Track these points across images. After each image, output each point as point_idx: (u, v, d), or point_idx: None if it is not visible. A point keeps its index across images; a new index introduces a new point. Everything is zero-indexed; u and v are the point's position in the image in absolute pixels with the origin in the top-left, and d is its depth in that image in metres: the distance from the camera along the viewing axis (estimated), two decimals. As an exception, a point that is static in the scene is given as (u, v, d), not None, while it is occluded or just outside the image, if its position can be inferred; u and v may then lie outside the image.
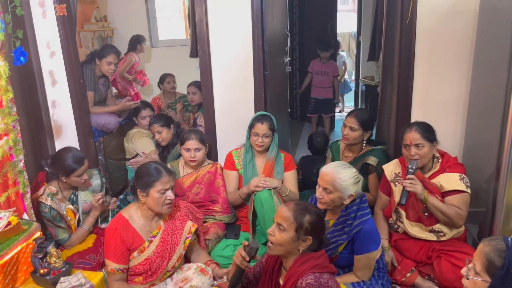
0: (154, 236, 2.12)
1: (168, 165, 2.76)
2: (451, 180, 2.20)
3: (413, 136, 2.23)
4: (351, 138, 2.66)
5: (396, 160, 2.44)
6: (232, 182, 2.80)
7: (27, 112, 2.64)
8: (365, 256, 1.97)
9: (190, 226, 2.19)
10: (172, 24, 6.24)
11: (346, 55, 6.59)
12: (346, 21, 7.09)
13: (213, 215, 2.72)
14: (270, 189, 2.54)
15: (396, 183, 2.35)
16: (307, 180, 3.36)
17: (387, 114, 2.99)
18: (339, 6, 5.55)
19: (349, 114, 2.73)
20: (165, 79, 4.30)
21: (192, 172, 2.80)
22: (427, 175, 2.28)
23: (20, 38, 2.05)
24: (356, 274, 2.03)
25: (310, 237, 1.65)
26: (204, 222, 2.63)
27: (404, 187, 2.12)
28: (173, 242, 2.13)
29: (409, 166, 2.16)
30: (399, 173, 2.37)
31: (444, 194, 2.22)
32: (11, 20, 1.87)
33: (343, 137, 2.71)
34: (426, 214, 2.24)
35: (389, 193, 2.41)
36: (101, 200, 2.49)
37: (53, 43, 2.81)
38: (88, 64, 3.31)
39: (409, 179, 2.11)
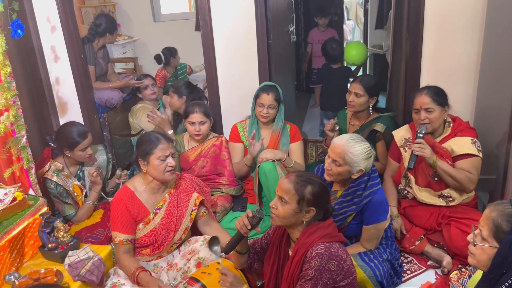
0: (159, 208, 2.11)
1: (173, 137, 2.73)
2: (462, 144, 2.16)
3: (423, 100, 2.17)
4: (356, 105, 2.61)
5: (406, 126, 2.40)
6: (237, 155, 2.78)
7: (29, 88, 2.62)
8: (374, 226, 1.95)
9: (195, 198, 2.17)
10: (174, -3, 6.11)
11: (353, 24, 6.43)
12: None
13: (220, 188, 2.71)
14: (274, 161, 2.51)
15: (406, 149, 2.31)
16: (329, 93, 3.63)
17: (396, 81, 2.91)
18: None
19: (354, 80, 2.68)
20: (176, 54, 4.21)
21: (197, 145, 2.78)
22: (438, 140, 2.24)
23: (17, 11, 2.00)
24: (363, 245, 2.02)
25: (313, 208, 1.62)
26: (211, 195, 2.62)
27: (412, 151, 2.09)
28: (178, 214, 2.13)
29: (418, 131, 2.13)
30: (409, 138, 2.33)
31: (455, 158, 2.18)
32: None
33: (348, 104, 2.66)
34: (436, 179, 2.21)
35: (399, 159, 2.38)
36: (95, 173, 2.49)
37: (52, 17, 2.76)
38: (91, 43, 3.26)
39: (417, 143, 2.08)
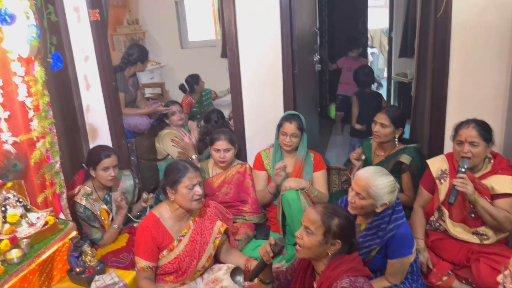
0: (184, 235, 2.14)
1: (198, 164, 2.79)
2: (503, 183, 2.09)
3: (469, 133, 2.12)
4: (382, 135, 2.60)
5: (442, 156, 2.34)
6: (261, 182, 2.80)
7: (63, 115, 2.73)
8: (398, 260, 1.92)
9: (219, 226, 2.20)
10: (201, 26, 6.30)
11: (377, 52, 6.47)
12: (377, 17, 6.94)
13: (243, 215, 2.73)
14: (297, 190, 2.51)
15: (442, 181, 2.25)
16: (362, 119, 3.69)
17: (421, 112, 2.90)
18: (370, 2, 5.44)
19: (380, 110, 2.67)
20: (199, 80, 4.34)
21: (221, 172, 2.81)
22: (477, 175, 2.17)
23: (55, 44, 2.11)
24: (388, 280, 1.98)
25: (339, 241, 1.61)
26: (234, 222, 2.63)
27: (454, 185, 2.03)
28: (202, 242, 2.15)
29: (460, 165, 2.07)
30: (445, 170, 2.26)
31: (493, 196, 2.11)
32: (47, 26, 1.93)
33: (373, 135, 2.65)
34: (472, 215, 2.15)
35: (433, 190, 2.32)
36: (119, 199, 2.55)
37: (86, 47, 2.89)
38: (123, 71, 3.40)
39: (460, 178, 2.02)
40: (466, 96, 2.59)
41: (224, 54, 5.36)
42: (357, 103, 3.92)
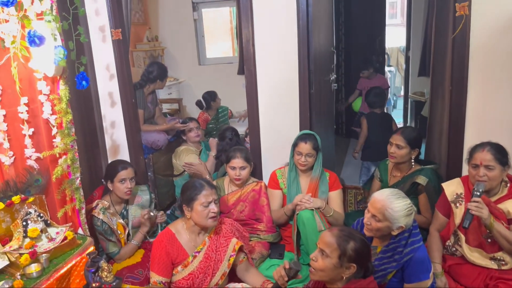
0: (198, 252, 2.16)
1: (214, 182, 2.81)
2: None
3: (485, 156, 2.09)
4: (398, 156, 2.60)
5: (458, 180, 2.31)
6: (276, 201, 2.80)
7: (83, 132, 2.80)
8: (416, 285, 1.89)
9: (234, 243, 2.20)
10: (219, 43, 6.41)
11: (394, 70, 6.46)
12: (395, 36, 6.95)
13: (258, 234, 2.73)
14: (312, 209, 2.51)
15: (457, 205, 2.22)
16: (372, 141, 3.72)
17: (437, 132, 2.88)
18: (387, 21, 5.45)
19: (395, 131, 2.68)
20: (216, 97, 4.40)
21: (236, 190, 2.83)
22: (493, 199, 2.14)
23: (84, 64, 2.18)
24: (405, 304, 1.95)
25: (354, 265, 1.60)
26: (249, 240, 2.64)
27: (468, 209, 2.01)
28: (217, 259, 2.16)
29: (475, 188, 2.05)
30: (461, 193, 2.24)
31: (510, 221, 2.07)
32: (74, 47, 2.00)
33: (389, 156, 2.65)
34: (489, 240, 2.10)
35: (448, 214, 2.29)
36: (147, 216, 2.58)
37: (108, 65, 2.97)
38: (142, 88, 3.48)
39: (475, 202, 1.99)
40: (485, 117, 2.57)
41: (240, 71, 5.43)
42: (366, 125, 3.88)
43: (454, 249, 2.25)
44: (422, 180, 2.53)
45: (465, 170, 2.56)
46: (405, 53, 5.54)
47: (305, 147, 2.62)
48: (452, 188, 2.29)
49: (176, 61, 6.06)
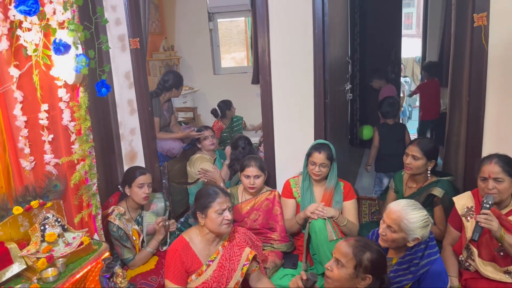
0: (212, 260, 2.16)
1: (228, 190, 2.81)
2: None
3: (492, 169, 2.07)
4: (414, 168, 2.57)
5: (468, 193, 2.28)
6: (289, 210, 2.79)
7: (100, 139, 2.84)
8: (432, 297, 1.86)
9: (248, 253, 2.20)
10: (233, 53, 6.47)
11: (410, 81, 6.43)
12: (410, 46, 6.93)
13: (271, 243, 2.72)
14: (325, 218, 2.49)
15: (468, 218, 2.19)
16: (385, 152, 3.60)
17: (455, 144, 2.85)
18: (402, 31, 5.44)
19: (411, 142, 2.65)
20: (231, 106, 4.44)
21: (250, 198, 2.83)
22: (504, 212, 2.11)
23: (107, 72, 2.22)
24: (421, 317, 1.92)
25: (370, 276, 1.59)
26: (262, 250, 2.63)
27: (477, 222, 1.98)
28: (230, 268, 2.16)
29: (485, 201, 2.02)
30: (471, 207, 2.21)
31: None
32: (96, 55, 2.04)
33: (405, 167, 2.62)
34: (502, 253, 2.07)
35: (460, 228, 2.26)
36: (161, 223, 2.59)
37: (126, 74, 3.02)
38: (158, 96, 3.53)
39: (484, 214, 1.97)
40: (504, 130, 2.53)
41: (254, 81, 5.47)
42: (377, 137, 3.80)
43: (467, 263, 2.22)
44: (438, 192, 2.49)
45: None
46: (420, 63, 5.51)
47: (319, 157, 2.61)
48: (462, 201, 2.26)
49: (191, 70, 6.12)
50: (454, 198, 2.31)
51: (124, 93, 3.05)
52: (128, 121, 3.10)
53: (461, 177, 2.72)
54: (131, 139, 3.12)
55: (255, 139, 3.95)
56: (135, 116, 3.09)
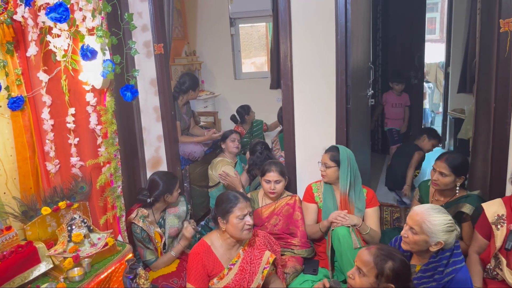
0: (234, 264, 2.17)
1: (248, 195, 2.83)
2: None
3: None
4: (441, 184, 2.46)
5: (499, 200, 2.21)
6: (311, 215, 2.78)
7: (124, 142, 2.90)
8: (456, 307, 1.82)
9: (268, 256, 2.20)
10: (254, 58, 6.51)
11: (433, 87, 6.33)
12: (433, 51, 6.83)
13: (291, 249, 2.71)
14: (349, 226, 2.47)
15: (499, 226, 2.12)
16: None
17: (481, 152, 2.79)
18: (426, 36, 5.37)
19: (439, 157, 2.52)
20: (249, 111, 4.46)
21: (271, 203, 2.83)
22: None
23: (136, 76, 2.27)
24: (445, 326, 1.88)
25: (392, 285, 1.57)
26: (282, 255, 2.62)
27: (511, 231, 1.94)
28: (251, 271, 2.16)
29: None
30: (502, 215, 2.14)
31: None
32: (125, 61, 2.09)
33: (432, 182, 2.52)
34: (532, 263, 2.01)
35: (488, 236, 2.19)
36: (193, 233, 2.63)
37: (150, 79, 3.08)
38: (176, 100, 3.58)
39: None
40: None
41: (273, 86, 5.49)
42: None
43: (495, 273, 2.16)
44: (468, 209, 2.38)
45: (509, 190, 2.47)
46: (444, 69, 5.42)
47: (324, 156, 2.65)
48: (493, 209, 2.19)
49: (212, 75, 6.19)
50: (484, 205, 2.23)
51: (149, 98, 3.11)
52: (152, 125, 3.15)
53: (487, 185, 2.66)
54: (154, 143, 3.17)
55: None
56: (159, 120, 3.14)
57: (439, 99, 6.49)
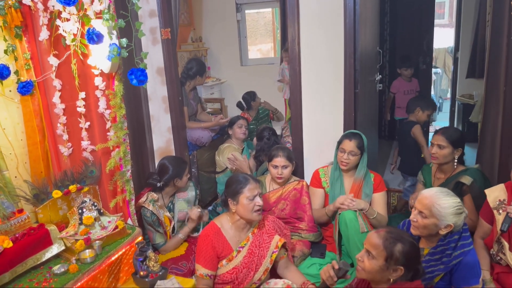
0: (243, 247, 2.19)
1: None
2: None
3: None
4: (440, 157, 2.53)
5: (501, 185, 2.23)
6: (318, 200, 2.79)
7: (132, 128, 2.91)
8: (464, 289, 1.84)
9: (277, 240, 2.22)
10: (260, 44, 6.48)
11: (441, 72, 6.26)
12: (442, 36, 6.73)
13: (299, 233, 2.73)
14: (355, 210, 2.48)
15: (500, 211, 2.14)
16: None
17: (490, 136, 2.77)
18: (434, 21, 5.30)
19: (436, 132, 2.61)
20: (255, 97, 4.45)
21: (278, 188, 2.84)
22: None
23: (144, 59, 2.25)
24: (452, 309, 1.90)
25: (402, 268, 1.57)
26: (290, 238, 2.64)
27: (507, 213, 1.95)
28: (260, 255, 2.19)
29: None
30: (504, 200, 2.16)
31: None
32: (133, 45, 2.08)
33: (431, 156, 2.59)
34: (533, 247, 2.01)
35: (492, 221, 2.21)
36: (198, 214, 2.66)
37: (157, 64, 3.08)
38: (183, 86, 3.58)
39: None
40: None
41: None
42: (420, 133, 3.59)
43: (498, 258, 2.17)
44: (466, 180, 2.45)
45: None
46: (453, 54, 5.36)
47: (349, 144, 2.60)
48: (495, 194, 2.21)
49: (218, 61, 6.17)
50: (487, 191, 2.25)
51: (156, 83, 3.11)
52: (159, 111, 3.15)
53: (496, 169, 2.65)
54: (161, 128, 3.18)
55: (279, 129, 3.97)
56: (166, 105, 3.14)
57: (447, 85, 6.43)
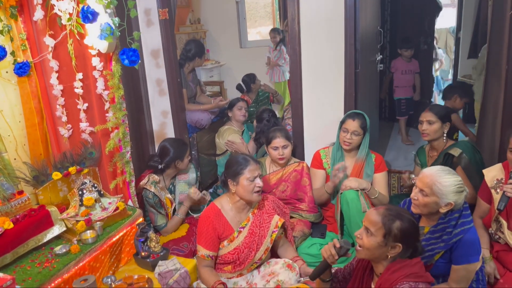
0: (243, 227, 2.20)
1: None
2: None
3: None
4: (431, 132, 2.58)
5: (499, 165, 2.23)
6: (318, 181, 2.79)
7: (131, 110, 2.89)
8: (464, 267, 1.84)
9: (277, 220, 2.23)
10: (259, 27, 6.39)
11: (442, 52, 6.19)
12: (443, 16, 6.63)
13: (299, 213, 2.74)
14: (357, 190, 2.48)
15: (498, 190, 2.14)
16: None
17: (491, 115, 2.75)
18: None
19: (423, 111, 2.65)
20: (255, 79, 4.41)
21: (278, 169, 2.84)
22: None
23: (137, 40, 2.21)
24: (451, 286, 1.90)
25: (400, 244, 1.58)
26: (291, 217, 2.65)
27: (504, 192, 1.95)
28: (260, 234, 2.20)
29: None
30: (501, 179, 2.16)
31: None
32: (126, 24, 2.04)
33: (422, 134, 2.63)
34: (530, 225, 2.02)
35: (489, 200, 2.22)
36: (199, 195, 2.67)
37: (155, 45, 3.04)
38: (182, 68, 3.54)
39: (511, 184, 1.94)
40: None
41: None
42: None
43: (497, 236, 2.18)
44: (455, 151, 2.49)
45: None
46: (455, 34, 5.28)
47: (352, 124, 2.59)
48: (492, 173, 2.21)
49: (217, 44, 6.09)
50: (484, 171, 2.26)
51: (153, 64, 3.08)
52: (158, 93, 3.13)
53: (497, 150, 2.64)
54: (161, 109, 3.16)
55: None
56: (165, 87, 3.12)
57: (448, 65, 6.37)
